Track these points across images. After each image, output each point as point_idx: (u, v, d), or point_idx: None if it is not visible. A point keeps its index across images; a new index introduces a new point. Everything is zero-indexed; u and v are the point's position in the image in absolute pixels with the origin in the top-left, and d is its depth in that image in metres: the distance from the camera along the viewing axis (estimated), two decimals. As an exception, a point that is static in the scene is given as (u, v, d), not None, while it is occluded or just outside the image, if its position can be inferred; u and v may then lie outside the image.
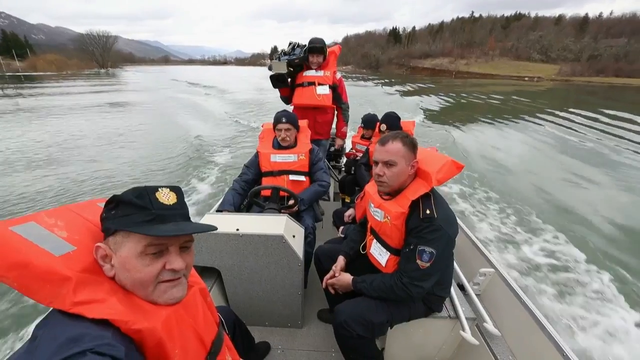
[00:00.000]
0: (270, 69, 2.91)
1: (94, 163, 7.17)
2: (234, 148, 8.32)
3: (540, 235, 4.35)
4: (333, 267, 1.60)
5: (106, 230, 0.71)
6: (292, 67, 2.97)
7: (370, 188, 1.55)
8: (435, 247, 1.24)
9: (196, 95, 21.64)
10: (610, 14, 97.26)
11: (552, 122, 13.43)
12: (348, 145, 4.13)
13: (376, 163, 1.36)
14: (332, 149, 3.77)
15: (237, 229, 1.55)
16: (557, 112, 15.93)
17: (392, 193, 1.40)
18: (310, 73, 3.01)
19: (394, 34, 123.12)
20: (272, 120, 2.28)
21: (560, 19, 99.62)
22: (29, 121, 11.74)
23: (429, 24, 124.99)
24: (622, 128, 12.22)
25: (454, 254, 1.42)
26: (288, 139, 2.18)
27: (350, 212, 2.29)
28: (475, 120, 13.31)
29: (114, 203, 0.70)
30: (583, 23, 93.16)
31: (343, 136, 3.43)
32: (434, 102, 19.68)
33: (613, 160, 8.24)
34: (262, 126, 2.46)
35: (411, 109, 16.49)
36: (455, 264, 1.70)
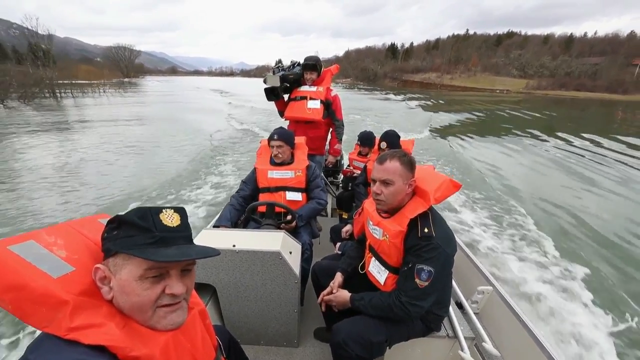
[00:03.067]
0: (265, 82, 3.05)
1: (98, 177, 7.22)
2: (236, 162, 8.42)
3: (541, 252, 4.36)
4: (331, 284, 1.59)
5: (106, 251, 0.69)
6: (287, 83, 3.11)
7: (369, 205, 1.56)
8: (434, 266, 1.26)
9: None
10: (595, 33, 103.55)
11: (541, 138, 14.07)
12: (345, 162, 4.22)
13: (374, 181, 1.39)
14: (330, 165, 3.81)
15: (234, 245, 1.55)
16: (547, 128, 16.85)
17: (391, 211, 1.41)
18: (303, 88, 3.15)
19: (392, 49, 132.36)
20: None
21: (548, 37, 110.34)
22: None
23: (427, 40, 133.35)
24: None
25: (452, 272, 1.43)
26: (280, 155, 2.21)
27: (347, 228, 2.30)
28: (474, 135, 13.75)
29: (116, 223, 0.69)
30: (569, 42, 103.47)
31: (336, 153, 3.49)
32: (423, 116, 20.49)
33: (616, 174, 8.35)
34: (260, 142, 2.50)
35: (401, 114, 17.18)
36: (453, 282, 1.69)
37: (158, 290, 0.68)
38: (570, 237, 4.90)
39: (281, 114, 3.33)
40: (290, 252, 1.65)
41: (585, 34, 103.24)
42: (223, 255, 1.56)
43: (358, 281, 1.62)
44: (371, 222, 1.53)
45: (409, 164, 1.37)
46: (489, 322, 1.76)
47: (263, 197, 2.26)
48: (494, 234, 4.89)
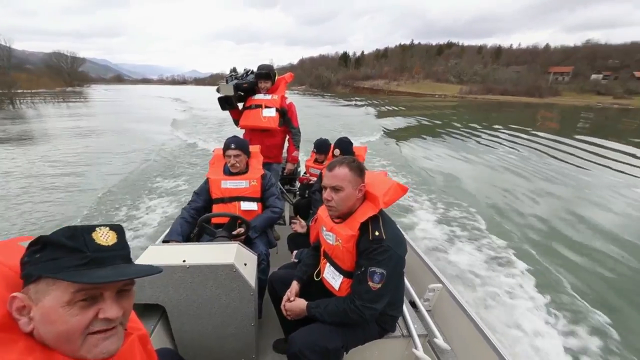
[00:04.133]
0: (218, 91, 2.98)
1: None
2: (188, 173, 7.82)
3: (487, 246, 4.51)
4: (287, 292, 1.56)
5: (26, 277, 0.60)
6: (241, 91, 3.07)
7: (323, 212, 1.56)
8: (385, 268, 1.28)
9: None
10: (519, 45, 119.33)
11: (479, 135, 15.09)
12: (302, 169, 4.17)
13: (325, 188, 1.40)
14: (288, 173, 3.74)
15: (184, 260, 1.46)
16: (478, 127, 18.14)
17: (343, 216, 1.43)
18: (258, 97, 3.10)
19: (345, 57, 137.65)
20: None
21: (481, 48, 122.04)
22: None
23: (377, 49, 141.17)
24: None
25: (404, 272, 1.46)
26: (238, 165, 2.15)
27: (303, 228, 2.25)
28: (420, 138, 14.46)
29: (39, 245, 0.60)
30: (498, 52, 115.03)
31: (294, 161, 3.44)
32: (373, 122, 21.25)
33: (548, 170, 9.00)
34: (213, 152, 2.40)
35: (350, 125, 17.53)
36: (406, 281, 1.74)
37: (90, 315, 0.60)
38: (515, 230, 5.18)
39: (236, 122, 3.24)
40: (245, 264, 1.57)
41: (511, 46, 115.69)
42: (172, 271, 1.46)
43: (315, 288, 1.60)
44: (324, 228, 1.53)
45: (358, 170, 1.39)
46: (441, 318, 1.82)
47: (217, 208, 2.17)
48: (444, 231, 5.05)
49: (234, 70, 3.61)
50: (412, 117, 24.67)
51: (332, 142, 3.18)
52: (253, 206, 2.21)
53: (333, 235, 1.45)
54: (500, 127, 19.21)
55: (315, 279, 1.62)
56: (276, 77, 3.16)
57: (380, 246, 1.30)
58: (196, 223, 2.05)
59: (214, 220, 2.13)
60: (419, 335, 1.53)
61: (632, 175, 8.94)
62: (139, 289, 1.46)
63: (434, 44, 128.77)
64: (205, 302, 1.54)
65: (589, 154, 11.69)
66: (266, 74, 3.04)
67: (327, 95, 67.18)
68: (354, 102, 41.10)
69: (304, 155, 3.99)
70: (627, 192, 7.46)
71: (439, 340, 1.55)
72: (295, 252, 2.17)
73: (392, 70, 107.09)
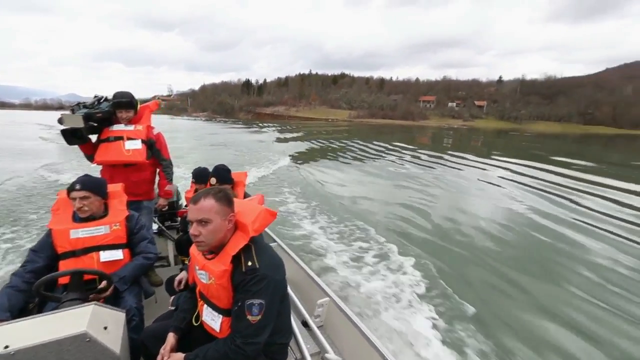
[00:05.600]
0: (60, 122, 2.46)
1: None
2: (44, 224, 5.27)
3: (375, 254, 4.69)
4: (161, 350, 1.34)
5: None
6: (94, 122, 2.62)
7: (194, 249, 1.41)
8: (263, 297, 1.21)
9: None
10: (397, 77, 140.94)
11: (367, 154, 16.82)
12: (183, 202, 3.86)
13: (191, 223, 1.27)
14: (163, 209, 3.41)
15: (6, 347, 1.08)
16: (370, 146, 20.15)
17: (215, 250, 1.32)
18: (117, 127, 2.71)
19: (247, 85, 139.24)
20: None
21: (369, 79, 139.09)
22: None
23: (278, 77, 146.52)
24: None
25: (292, 293, 1.45)
26: (86, 208, 1.79)
27: (182, 276, 1.99)
28: (319, 159, 15.29)
29: None
30: (381, 83, 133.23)
31: (167, 195, 3.14)
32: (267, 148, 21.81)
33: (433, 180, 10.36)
34: (57, 195, 1.95)
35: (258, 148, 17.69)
36: (297, 300, 1.72)
37: None
38: (403, 237, 5.62)
39: (90, 158, 2.75)
40: (106, 327, 1.27)
41: (391, 78, 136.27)
42: None
43: (196, 335, 1.43)
44: (197, 267, 1.39)
45: (226, 199, 1.31)
46: (332, 332, 1.79)
47: (65, 265, 1.73)
48: (333, 244, 5.14)
49: None
50: (313, 140, 26.02)
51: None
52: (117, 255, 1.85)
53: (206, 274, 1.34)
54: (387, 145, 22.17)
55: (195, 323, 1.45)
56: (139, 106, 2.85)
57: (255, 276, 1.23)
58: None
59: (61, 281, 1.68)
60: (311, 355, 1.49)
61: (488, 182, 11.30)
62: None
63: (329, 74, 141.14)
64: None
65: (455, 163, 14.80)
66: (128, 102, 2.68)
67: (233, 121, 67.17)
68: (260, 128, 41.58)
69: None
70: (486, 187, 9.88)
71: (331, 355, 1.53)
72: (172, 298, 1.89)
73: (291, 98, 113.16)
